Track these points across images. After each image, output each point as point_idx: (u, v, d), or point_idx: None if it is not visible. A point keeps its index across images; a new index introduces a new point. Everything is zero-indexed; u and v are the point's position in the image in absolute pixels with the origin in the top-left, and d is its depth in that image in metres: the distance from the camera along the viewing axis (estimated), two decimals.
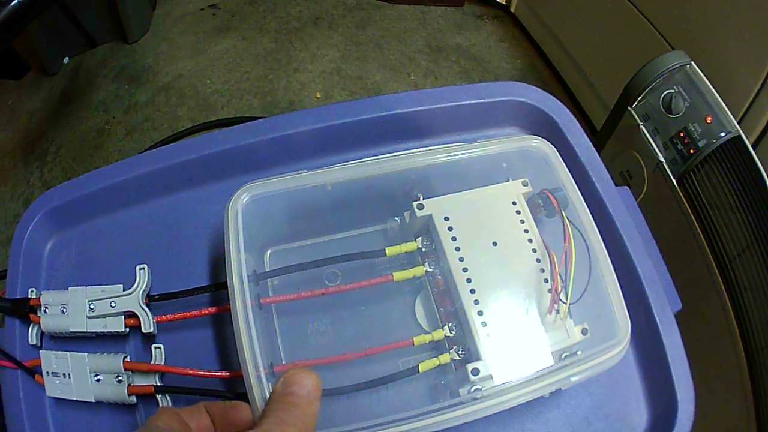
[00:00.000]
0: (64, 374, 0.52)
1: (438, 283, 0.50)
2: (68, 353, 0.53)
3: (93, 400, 0.51)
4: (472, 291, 0.47)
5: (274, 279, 0.53)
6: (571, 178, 0.52)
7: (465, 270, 0.48)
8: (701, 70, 0.82)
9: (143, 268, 0.55)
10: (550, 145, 0.54)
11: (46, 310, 0.54)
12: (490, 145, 0.53)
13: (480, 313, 0.46)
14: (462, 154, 0.52)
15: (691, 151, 0.79)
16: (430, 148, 0.52)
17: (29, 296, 0.55)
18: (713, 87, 0.80)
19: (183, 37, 1.65)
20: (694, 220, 0.79)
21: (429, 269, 0.50)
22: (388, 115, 0.61)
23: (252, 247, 0.54)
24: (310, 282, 0.53)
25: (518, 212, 0.51)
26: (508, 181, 0.54)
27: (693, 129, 0.79)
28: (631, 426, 0.52)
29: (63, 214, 0.60)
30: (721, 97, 0.79)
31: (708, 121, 0.78)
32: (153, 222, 0.61)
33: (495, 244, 0.49)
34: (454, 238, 0.49)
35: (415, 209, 0.50)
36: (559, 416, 0.52)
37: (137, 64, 1.59)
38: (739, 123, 0.78)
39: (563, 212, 0.49)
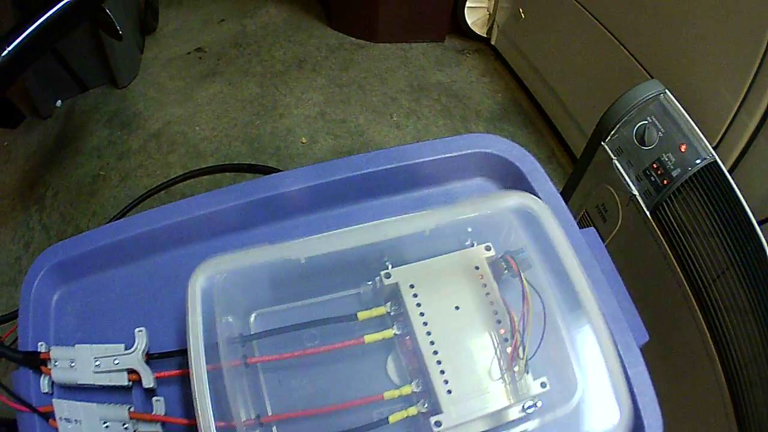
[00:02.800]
0: (75, 420, 0.56)
1: (406, 343, 0.54)
2: (79, 403, 0.57)
3: None
4: (435, 352, 0.50)
5: (260, 340, 0.57)
6: (530, 241, 0.55)
7: (429, 333, 0.51)
8: (678, 98, 0.82)
9: (141, 331, 0.59)
10: (537, 200, 0.57)
11: (56, 363, 0.58)
12: (455, 214, 0.56)
13: (442, 372, 0.50)
14: (427, 222, 0.55)
15: (665, 182, 0.79)
16: (397, 217, 0.56)
17: (39, 350, 0.59)
18: (688, 114, 0.81)
19: (171, 82, 1.69)
20: (668, 249, 0.80)
21: (397, 332, 0.54)
22: (358, 175, 0.64)
23: (237, 311, 0.58)
24: (292, 342, 0.56)
25: (481, 276, 0.55)
26: (473, 246, 0.57)
27: (666, 159, 0.80)
28: None
29: (68, 269, 0.63)
30: (696, 124, 0.80)
31: (682, 150, 0.79)
32: (150, 280, 0.64)
33: (457, 308, 0.53)
34: (419, 304, 0.52)
35: (383, 278, 0.54)
36: None
37: (128, 110, 1.63)
38: (715, 149, 0.78)
39: (522, 275, 0.52)
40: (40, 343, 0.59)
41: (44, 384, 0.59)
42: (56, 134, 1.59)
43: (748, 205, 0.73)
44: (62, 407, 0.57)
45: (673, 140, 0.80)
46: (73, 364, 0.58)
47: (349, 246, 0.54)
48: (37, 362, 0.59)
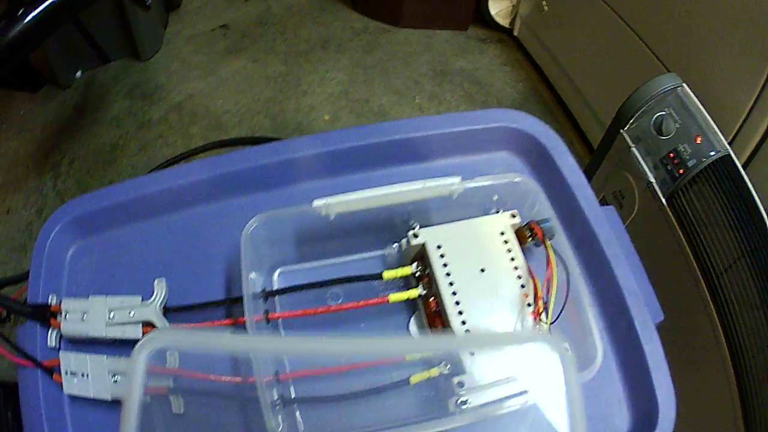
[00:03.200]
0: (82, 374, 0.55)
1: (430, 304, 0.55)
2: (87, 355, 0.56)
3: (110, 399, 0.54)
4: (460, 312, 0.51)
5: (282, 296, 0.58)
6: (553, 212, 0.56)
7: (454, 293, 0.52)
8: (694, 92, 0.84)
9: (161, 282, 0.58)
10: (532, 181, 0.58)
11: (67, 316, 0.57)
12: (480, 181, 0.57)
13: (467, 332, 0.50)
14: (456, 187, 0.56)
15: (681, 171, 0.81)
16: (427, 180, 0.56)
17: (50, 303, 0.58)
18: (704, 108, 0.82)
19: (194, 56, 1.70)
20: (682, 237, 0.81)
21: (422, 292, 0.55)
22: (390, 141, 0.65)
23: (262, 268, 0.59)
24: (315, 301, 0.57)
25: (506, 242, 0.55)
26: (498, 212, 0.58)
27: (683, 149, 0.82)
28: (613, 427, 0.56)
29: (86, 223, 0.63)
30: (711, 118, 0.81)
31: (698, 141, 0.81)
32: (171, 235, 0.64)
33: (483, 270, 0.53)
34: (445, 265, 0.53)
35: (410, 237, 0.54)
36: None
37: (150, 82, 1.63)
38: (730, 143, 0.80)
39: (548, 242, 0.53)
40: (51, 295, 0.59)
41: (51, 338, 0.58)
42: (75, 104, 1.59)
43: (760, 200, 0.75)
44: (69, 360, 0.56)
45: (690, 132, 0.82)
46: (85, 317, 0.57)
47: (378, 205, 0.55)
48: (47, 315, 0.57)
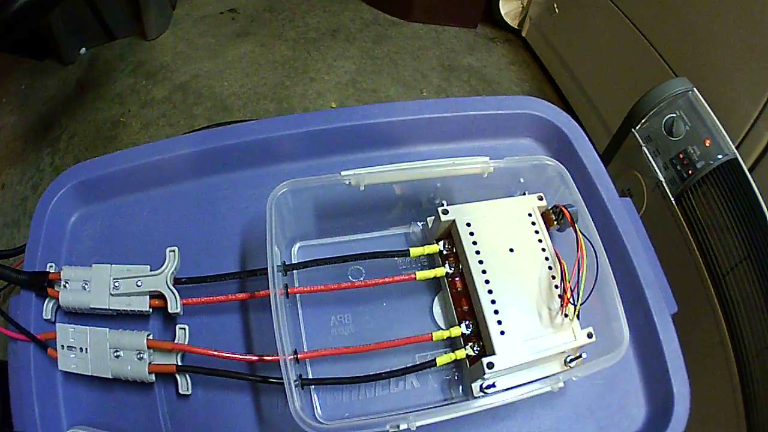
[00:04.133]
0: (81, 348, 0.51)
1: (456, 284, 0.54)
2: (88, 328, 0.51)
3: (110, 377, 0.51)
4: (490, 291, 0.50)
5: (301, 271, 0.57)
6: (580, 196, 0.56)
7: (484, 272, 0.51)
8: (703, 96, 0.86)
9: (173, 251, 0.55)
10: (561, 165, 0.58)
11: (67, 285, 0.53)
12: (509, 161, 0.57)
13: (496, 312, 0.50)
14: (488, 165, 0.56)
15: (690, 172, 0.82)
16: (455, 159, 0.56)
17: (48, 270, 0.54)
18: (713, 112, 0.84)
19: (201, 38, 1.69)
20: (690, 236, 0.82)
21: (449, 270, 0.54)
22: (415, 119, 0.64)
23: (282, 241, 0.58)
24: (334, 277, 0.56)
25: (533, 223, 0.55)
26: (525, 194, 0.57)
27: (692, 151, 0.83)
28: (630, 416, 0.56)
29: (92, 189, 0.60)
30: (720, 122, 0.83)
31: (707, 144, 0.82)
32: (182, 205, 0.61)
33: (511, 250, 0.53)
34: (474, 243, 0.52)
35: (440, 214, 0.53)
36: (565, 404, 0.55)
37: (155, 61, 1.62)
38: (737, 147, 0.82)
39: (576, 225, 0.53)
40: (49, 264, 0.55)
41: (47, 309, 0.54)
42: (77, 80, 1.57)
43: (766, 204, 0.76)
44: (66, 333, 0.51)
45: (699, 134, 0.84)
46: (87, 286, 0.53)
47: (409, 179, 0.54)
48: (44, 283, 0.53)
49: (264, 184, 0.62)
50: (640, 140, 0.90)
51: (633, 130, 0.91)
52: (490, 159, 0.56)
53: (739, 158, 0.80)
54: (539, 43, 1.68)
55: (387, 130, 0.64)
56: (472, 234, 0.53)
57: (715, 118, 0.83)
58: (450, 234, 0.55)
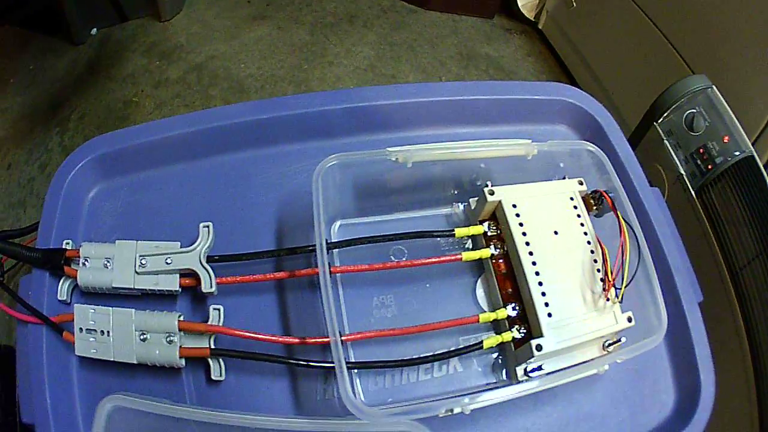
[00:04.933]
0: (102, 331, 0.47)
1: (500, 266, 0.54)
2: (111, 309, 0.48)
3: (135, 362, 0.47)
4: (537, 273, 0.50)
5: (341, 251, 0.56)
6: (620, 182, 0.56)
7: (531, 254, 0.51)
8: (720, 94, 0.87)
9: (207, 226, 0.52)
10: (602, 152, 0.58)
11: (86, 263, 0.49)
12: (552, 145, 0.57)
13: (543, 294, 0.50)
14: (532, 147, 0.55)
15: (709, 167, 0.84)
16: (497, 140, 0.56)
17: (64, 247, 0.51)
18: (731, 110, 0.85)
19: (217, 20, 1.67)
20: (709, 229, 0.84)
21: (494, 252, 0.54)
22: (453, 100, 0.64)
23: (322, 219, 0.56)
24: (375, 257, 0.55)
25: (575, 207, 0.55)
26: (565, 179, 0.57)
27: (711, 147, 0.84)
28: (660, 402, 0.56)
29: (113, 162, 0.57)
30: (738, 120, 0.84)
31: (725, 141, 0.83)
32: (213, 180, 0.59)
33: (556, 233, 0.53)
34: (521, 224, 0.52)
35: (486, 194, 0.53)
36: (602, 390, 0.56)
37: (169, 42, 1.60)
38: (753, 144, 0.83)
39: (618, 210, 0.53)
40: (66, 241, 0.52)
41: (63, 289, 0.50)
42: (88, 60, 1.55)
43: None
44: (85, 314, 0.47)
45: (718, 131, 0.85)
46: (108, 264, 0.49)
47: (455, 158, 0.54)
48: (60, 261, 0.49)
49: (298, 160, 0.62)
50: (661, 134, 0.91)
51: (655, 123, 0.92)
52: (530, 141, 0.56)
53: (756, 156, 0.81)
54: (555, 36, 1.68)
55: (425, 110, 0.64)
56: (518, 215, 0.52)
57: (733, 115, 0.85)
58: (494, 215, 0.55)
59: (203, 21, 1.66)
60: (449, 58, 1.66)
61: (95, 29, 1.60)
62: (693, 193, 0.86)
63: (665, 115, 0.90)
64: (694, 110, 0.87)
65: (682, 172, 0.87)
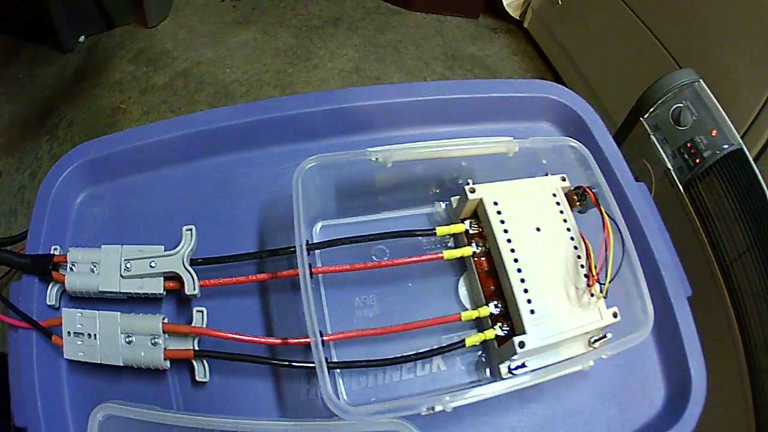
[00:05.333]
0: (89, 335, 0.48)
1: (482, 264, 0.54)
2: (97, 312, 0.48)
3: (121, 364, 0.48)
4: (519, 270, 0.50)
5: (323, 251, 0.55)
6: (604, 178, 0.56)
7: (513, 251, 0.51)
8: (708, 87, 0.87)
9: (190, 230, 0.52)
10: (585, 147, 0.58)
11: (73, 267, 0.50)
12: (534, 141, 0.57)
13: (525, 291, 0.49)
14: (513, 145, 0.55)
15: (697, 161, 0.83)
16: (478, 138, 0.56)
17: (52, 253, 0.52)
18: (719, 103, 0.85)
19: (203, 26, 1.67)
20: (698, 223, 0.83)
21: (475, 250, 0.54)
22: (435, 99, 0.64)
23: (303, 220, 0.56)
24: (357, 258, 0.55)
25: (558, 203, 0.55)
26: (547, 175, 0.57)
27: (699, 140, 0.84)
28: (649, 399, 0.56)
29: (100, 168, 0.57)
30: (726, 113, 0.84)
31: (713, 134, 0.83)
32: (196, 184, 0.60)
33: (538, 230, 0.52)
34: (502, 221, 0.52)
35: (467, 192, 0.53)
36: (589, 387, 0.55)
37: (155, 48, 1.60)
38: (742, 137, 0.82)
39: (601, 206, 0.53)
40: (54, 247, 0.53)
41: (51, 294, 0.51)
42: (76, 67, 1.55)
43: None
44: (73, 318, 0.48)
45: (706, 124, 0.84)
46: (95, 268, 0.50)
47: (436, 157, 0.54)
48: (48, 267, 0.50)
49: (280, 163, 0.61)
50: (648, 129, 0.90)
51: (641, 118, 0.91)
52: (511, 138, 0.56)
53: (745, 148, 0.81)
54: (541, 34, 1.69)
55: (407, 110, 0.64)
56: (499, 213, 0.52)
57: (720, 109, 0.84)
58: (476, 213, 0.55)
59: (189, 27, 1.67)
60: (434, 58, 1.67)
61: (83, 36, 1.61)
62: (681, 187, 0.85)
63: (651, 110, 0.90)
64: (681, 104, 0.87)
65: (670, 166, 0.86)
